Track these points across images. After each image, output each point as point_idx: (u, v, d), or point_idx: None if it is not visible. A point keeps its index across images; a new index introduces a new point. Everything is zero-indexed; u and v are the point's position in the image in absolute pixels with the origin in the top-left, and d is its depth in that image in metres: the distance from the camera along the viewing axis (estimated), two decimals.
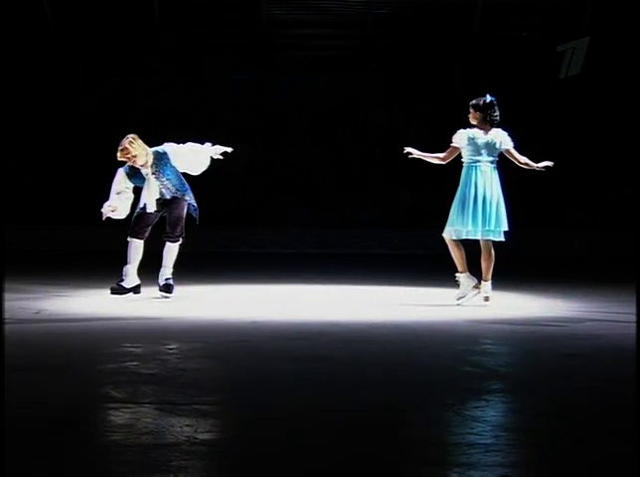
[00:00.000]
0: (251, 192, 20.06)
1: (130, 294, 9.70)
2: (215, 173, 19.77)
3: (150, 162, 9.82)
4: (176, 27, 20.34)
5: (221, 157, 10.02)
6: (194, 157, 9.98)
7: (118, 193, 9.83)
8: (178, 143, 10.08)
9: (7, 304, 8.54)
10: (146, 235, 9.92)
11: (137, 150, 9.70)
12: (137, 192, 9.98)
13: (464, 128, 9.38)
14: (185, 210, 9.95)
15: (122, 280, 9.75)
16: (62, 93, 20.24)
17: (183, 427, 4.42)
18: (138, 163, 9.76)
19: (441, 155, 9.39)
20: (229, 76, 20.51)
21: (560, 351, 6.77)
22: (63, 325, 7.78)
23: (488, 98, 9.39)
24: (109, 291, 9.69)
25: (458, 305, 9.27)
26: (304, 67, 20.55)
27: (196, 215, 10.08)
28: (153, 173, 9.83)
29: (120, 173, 9.88)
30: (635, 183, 17.10)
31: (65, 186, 19.60)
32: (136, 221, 9.92)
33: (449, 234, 9.33)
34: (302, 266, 14.74)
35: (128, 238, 9.86)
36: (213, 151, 9.98)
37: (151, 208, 9.87)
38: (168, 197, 9.92)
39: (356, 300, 10.07)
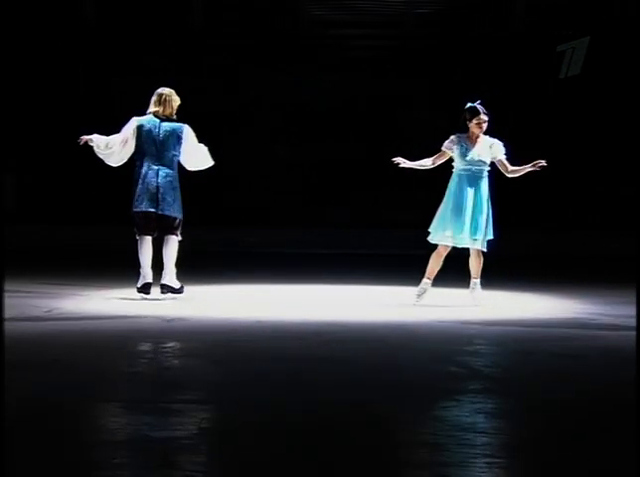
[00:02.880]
0: (284, 191, 20.04)
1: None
2: (249, 172, 19.90)
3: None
4: (214, 27, 20.31)
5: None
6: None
7: None
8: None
9: (19, 302, 8.67)
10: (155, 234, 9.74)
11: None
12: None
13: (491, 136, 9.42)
14: None
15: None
16: (62, 93, 20.23)
17: (141, 425, 4.42)
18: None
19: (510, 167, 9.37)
20: (266, 76, 20.50)
21: (552, 351, 6.77)
22: (69, 323, 7.85)
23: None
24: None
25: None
26: (344, 66, 20.55)
27: None
28: None
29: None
30: (635, 183, 17.09)
31: (65, 186, 19.62)
32: None
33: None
34: (322, 266, 14.66)
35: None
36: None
37: None
38: None
39: (364, 300, 10.03)
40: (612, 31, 18.95)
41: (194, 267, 12.75)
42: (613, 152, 18.78)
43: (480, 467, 3.94)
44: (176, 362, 6.27)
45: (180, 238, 9.71)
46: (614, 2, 19.15)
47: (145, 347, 6.82)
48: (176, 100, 9.73)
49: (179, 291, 9.64)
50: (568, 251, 17.26)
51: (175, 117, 9.72)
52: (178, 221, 9.70)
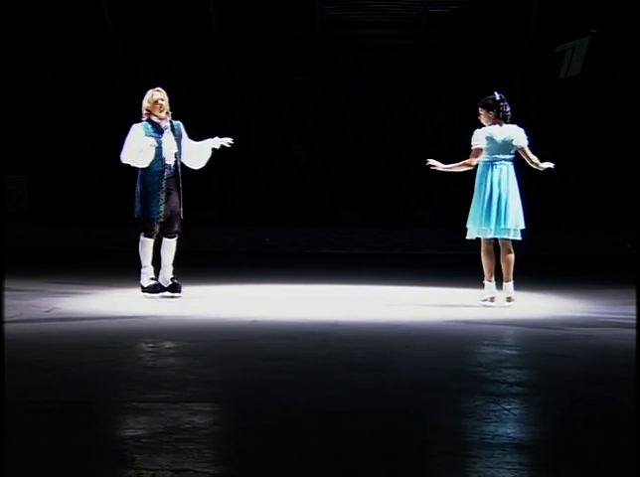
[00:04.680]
0: (307, 192, 20.05)
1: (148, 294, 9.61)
2: (271, 173, 19.91)
3: (168, 118, 9.75)
4: (232, 29, 20.30)
5: (218, 147, 9.79)
6: (198, 151, 9.85)
7: (141, 150, 9.55)
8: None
9: (20, 302, 8.78)
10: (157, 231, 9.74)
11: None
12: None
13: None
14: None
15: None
16: (62, 93, 20.24)
17: (109, 424, 4.42)
18: (165, 111, 9.67)
19: (468, 161, 9.28)
20: (285, 77, 20.51)
21: (551, 352, 6.74)
22: (69, 323, 7.83)
23: (497, 96, 9.44)
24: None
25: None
26: (362, 67, 20.56)
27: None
28: (170, 127, 9.72)
29: (138, 129, 9.65)
30: (636, 183, 17.10)
31: (65, 186, 19.62)
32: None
33: (473, 234, 9.28)
34: (324, 266, 14.64)
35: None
36: (213, 143, 9.80)
37: (170, 159, 9.62)
38: (172, 171, 9.68)
39: (365, 300, 10.01)
40: (612, 31, 18.95)
41: (195, 267, 12.77)
42: (613, 152, 18.79)
43: (424, 465, 3.95)
44: (161, 362, 6.24)
45: (140, 237, 9.70)
46: (615, 2, 19.14)
47: (135, 346, 6.80)
48: (144, 104, 9.69)
49: (146, 290, 9.62)
50: (569, 251, 17.28)
51: (147, 117, 9.69)
52: (140, 220, 9.72)
